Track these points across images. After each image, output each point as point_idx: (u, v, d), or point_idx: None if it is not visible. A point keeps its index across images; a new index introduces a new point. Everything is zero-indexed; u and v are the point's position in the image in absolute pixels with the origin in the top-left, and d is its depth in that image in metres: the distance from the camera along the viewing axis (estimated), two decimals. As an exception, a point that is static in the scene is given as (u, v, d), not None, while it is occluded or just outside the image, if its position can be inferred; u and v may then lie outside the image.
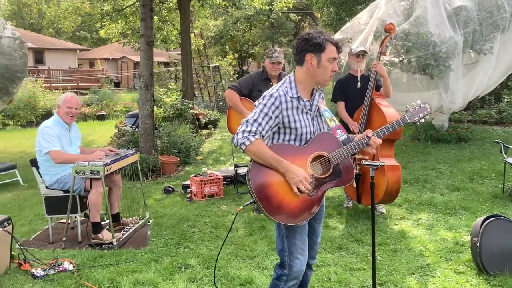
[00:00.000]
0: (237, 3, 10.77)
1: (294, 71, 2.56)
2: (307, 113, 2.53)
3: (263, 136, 2.44)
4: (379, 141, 2.65)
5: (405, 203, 5.27)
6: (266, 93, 2.51)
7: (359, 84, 4.92)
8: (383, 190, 4.48)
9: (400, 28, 7.05)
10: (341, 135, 2.61)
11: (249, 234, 4.45)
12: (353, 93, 5.00)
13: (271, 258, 3.84)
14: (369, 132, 2.64)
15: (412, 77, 7.61)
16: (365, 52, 5.01)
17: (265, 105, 2.45)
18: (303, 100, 2.51)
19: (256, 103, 2.51)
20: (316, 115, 2.60)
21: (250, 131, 2.40)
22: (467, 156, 7.26)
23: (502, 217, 3.54)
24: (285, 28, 28.91)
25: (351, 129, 4.87)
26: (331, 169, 2.56)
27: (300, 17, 30.76)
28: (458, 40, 6.92)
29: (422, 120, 2.87)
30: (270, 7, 13.39)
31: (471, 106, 9.74)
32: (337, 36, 8.99)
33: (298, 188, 2.40)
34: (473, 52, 7.44)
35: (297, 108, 2.49)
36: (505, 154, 5.40)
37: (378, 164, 2.89)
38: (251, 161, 2.46)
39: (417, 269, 3.60)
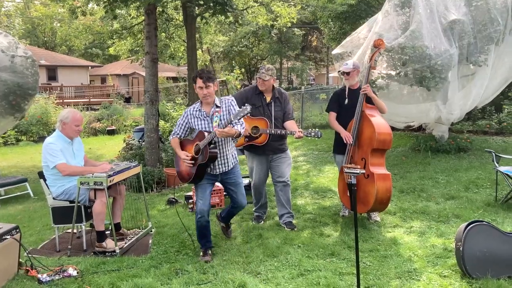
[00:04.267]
0: (239, 21, 11.05)
1: None
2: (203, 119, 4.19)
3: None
4: (218, 131, 3.91)
5: (400, 211, 5.41)
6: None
7: (346, 100, 5.14)
8: (373, 198, 4.63)
9: (396, 42, 7.26)
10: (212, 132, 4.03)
11: (246, 242, 4.64)
12: (346, 105, 5.20)
13: (265, 264, 4.02)
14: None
15: (410, 89, 7.78)
16: (349, 72, 5.18)
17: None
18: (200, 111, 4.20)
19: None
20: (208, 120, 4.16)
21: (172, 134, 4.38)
22: (465, 166, 7.38)
23: (484, 222, 3.69)
24: (293, 42, 29.32)
25: (345, 140, 5.05)
26: (199, 151, 4.09)
27: (306, 31, 31.13)
28: (453, 53, 7.10)
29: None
30: (274, 23, 13.65)
31: (471, 116, 9.87)
32: (337, 50, 9.23)
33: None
34: (470, 64, 7.61)
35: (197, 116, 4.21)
36: (497, 163, 5.53)
37: (358, 172, 3.08)
38: None
39: (404, 274, 3.75)
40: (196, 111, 4.18)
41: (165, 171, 7.66)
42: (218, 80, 16.76)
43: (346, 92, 5.21)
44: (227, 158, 4.24)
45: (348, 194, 5.03)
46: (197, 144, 4.11)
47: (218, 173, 4.25)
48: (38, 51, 30.70)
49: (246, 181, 6.51)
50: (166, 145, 8.82)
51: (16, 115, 8.31)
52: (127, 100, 30.74)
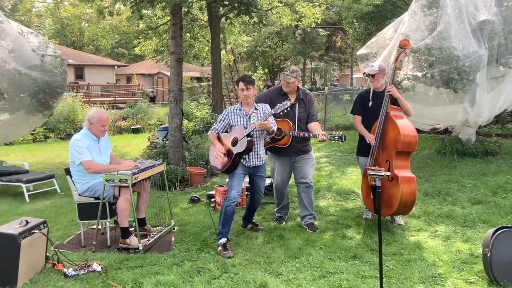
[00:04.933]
0: (264, 21, 11.06)
1: None
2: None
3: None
4: (258, 123, 4.38)
5: (424, 215, 5.32)
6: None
7: (370, 103, 5.07)
8: (398, 201, 4.57)
9: (423, 43, 7.13)
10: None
11: (267, 242, 4.64)
12: (371, 107, 5.14)
13: (286, 265, 4.01)
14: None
15: (437, 91, 7.63)
16: (374, 74, 5.12)
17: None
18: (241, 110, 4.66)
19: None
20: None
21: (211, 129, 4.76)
22: (493, 170, 7.19)
23: (512, 228, 3.59)
24: (316, 43, 29.15)
25: (368, 141, 5.00)
26: (236, 142, 4.50)
27: (330, 32, 30.90)
28: (482, 54, 6.92)
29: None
30: (298, 23, 13.62)
31: (500, 119, 9.61)
32: (362, 51, 9.13)
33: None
34: (500, 65, 7.41)
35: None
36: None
37: (383, 174, 3.04)
38: None
39: (428, 278, 3.68)
40: (237, 110, 4.68)
41: (188, 170, 7.72)
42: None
43: (371, 94, 5.14)
44: (259, 153, 4.67)
45: (372, 197, 4.98)
46: (235, 137, 4.54)
47: (251, 165, 4.63)
48: (67, 51, 31.40)
49: (268, 181, 6.51)
50: (189, 144, 8.90)
51: (45, 113, 8.53)
52: (152, 99, 31.15)
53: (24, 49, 8.12)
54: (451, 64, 6.89)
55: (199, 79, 27.04)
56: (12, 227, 3.61)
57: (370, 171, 3.40)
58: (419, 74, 7.35)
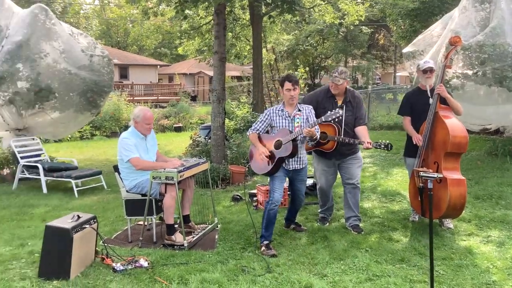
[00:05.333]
0: (307, 19, 10.96)
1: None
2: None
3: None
4: (306, 130, 4.25)
5: (475, 219, 5.11)
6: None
7: (431, 100, 4.84)
8: (446, 204, 4.40)
9: (474, 40, 6.86)
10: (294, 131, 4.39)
11: (311, 243, 4.58)
12: (420, 107, 4.97)
13: (331, 266, 3.95)
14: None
15: (488, 90, 7.31)
16: (432, 68, 4.94)
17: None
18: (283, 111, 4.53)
19: None
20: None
21: (251, 129, 4.68)
22: (549, 172, 6.83)
23: None
24: (359, 41, 28.66)
25: (414, 142, 4.85)
26: (280, 145, 4.40)
27: (373, 29, 30.30)
28: (540, 51, 6.58)
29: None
30: (341, 21, 13.42)
31: (557, 120, 9.09)
32: (408, 48, 8.89)
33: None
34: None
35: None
36: None
37: (435, 176, 2.93)
38: None
39: (482, 286, 3.52)
40: (279, 110, 4.54)
41: (230, 168, 7.77)
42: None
43: (428, 92, 4.93)
44: (300, 157, 4.56)
45: (419, 199, 4.82)
46: (278, 140, 4.42)
47: (291, 169, 4.54)
48: (112, 51, 32.38)
49: (310, 181, 6.44)
50: (231, 142, 8.96)
51: (92, 111, 8.81)
52: (193, 98, 31.62)
53: (74, 50, 8.43)
54: (505, 61, 6.60)
55: (239, 78, 27.21)
56: (65, 222, 3.74)
57: (422, 172, 3.28)
58: (470, 72, 7.07)
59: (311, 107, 4.62)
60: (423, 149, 4.79)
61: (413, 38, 13.61)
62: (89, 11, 42.19)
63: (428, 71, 4.91)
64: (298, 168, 4.56)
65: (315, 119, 4.47)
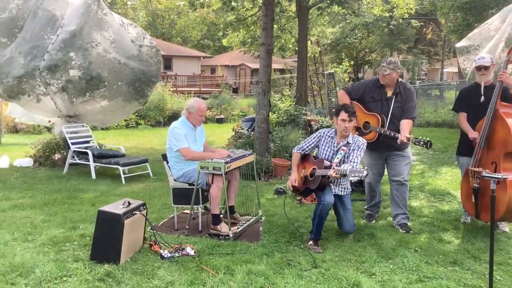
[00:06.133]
0: (356, 11, 10.72)
1: None
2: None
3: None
4: (333, 175, 4.11)
5: (533, 223, 4.85)
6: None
7: (482, 98, 4.66)
8: (505, 207, 4.19)
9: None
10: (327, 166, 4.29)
11: (357, 240, 4.49)
12: (476, 103, 4.76)
13: (379, 265, 3.85)
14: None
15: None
16: (486, 66, 4.71)
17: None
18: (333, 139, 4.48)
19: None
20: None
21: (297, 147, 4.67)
22: None
23: None
24: (405, 35, 27.81)
25: (470, 137, 4.65)
26: (313, 175, 4.33)
27: (422, 23, 29.32)
28: None
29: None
30: (391, 13, 13.05)
31: None
32: (462, 43, 8.52)
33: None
34: None
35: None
36: None
37: (500, 176, 2.78)
38: None
39: (543, 294, 3.34)
40: (329, 137, 4.50)
41: (273, 161, 7.75)
42: (326, 72, 16.57)
43: (482, 89, 4.73)
44: (342, 185, 4.48)
45: (473, 200, 4.62)
46: (314, 168, 4.36)
47: (332, 193, 4.41)
48: (156, 42, 32.77)
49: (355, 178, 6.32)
50: (274, 135, 8.92)
51: (140, 101, 8.99)
52: (235, 90, 31.77)
53: (124, 40, 8.61)
54: None
55: (281, 71, 27.05)
56: (117, 207, 3.82)
57: (484, 173, 3.12)
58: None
59: (364, 142, 4.42)
60: (480, 148, 4.58)
61: (465, 32, 13.08)
62: (137, 2, 43.13)
63: (482, 68, 4.70)
64: (340, 194, 4.47)
65: (356, 159, 4.27)
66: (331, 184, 4.40)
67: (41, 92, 7.89)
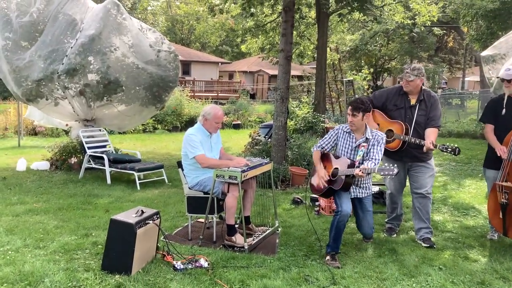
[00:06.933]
0: (378, 18, 10.53)
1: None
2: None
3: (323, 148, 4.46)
4: (357, 171, 3.93)
5: None
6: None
7: (504, 111, 4.48)
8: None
9: None
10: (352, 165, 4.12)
11: (378, 256, 4.30)
12: (504, 115, 4.55)
13: (402, 283, 3.66)
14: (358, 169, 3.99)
15: None
16: (507, 80, 4.51)
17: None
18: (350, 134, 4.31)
19: None
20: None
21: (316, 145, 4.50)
22: None
23: None
24: (426, 43, 27.45)
25: (498, 154, 4.44)
26: (336, 175, 4.17)
27: (444, 31, 28.87)
28: None
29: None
30: (413, 21, 12.80)
31: None
32: (488, 52, 8.25)
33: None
34: None
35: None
36: None
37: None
38: None
39: None
40: (347, 133, 4.32)
41: (291, 170, 7.58)
42: (345, 79, 16.36)
43: (505, 101, 4.55)
44: (363, 185, 4.31)
45: (501, 216, 4.40)
46: (336, 168, 4.20)
47: (352, 197, 4.28)
48: (176, 47, 32.99)
49: (375, 188, 6.13)
50: (291, 143, 8.77)
51: (157, 106, 8.94)
52: (252, 96, 31.72)
53: (143, 45, 8.58)
54: None
55: (300, 77, 26.93)
56: (130, 216, 3.72)
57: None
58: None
59: (383, 136, 4.26)
60: (508, 161, 4.36)
61: (489, 40, 12.76)
62: (157, 8, 43.60)
63: (506, 80, 4.52)
64: (360, 196, 4.29)
65: (377, 155, 4.10)
66: (351, 186, 4.22)
67: (59, 95, 7.90)
